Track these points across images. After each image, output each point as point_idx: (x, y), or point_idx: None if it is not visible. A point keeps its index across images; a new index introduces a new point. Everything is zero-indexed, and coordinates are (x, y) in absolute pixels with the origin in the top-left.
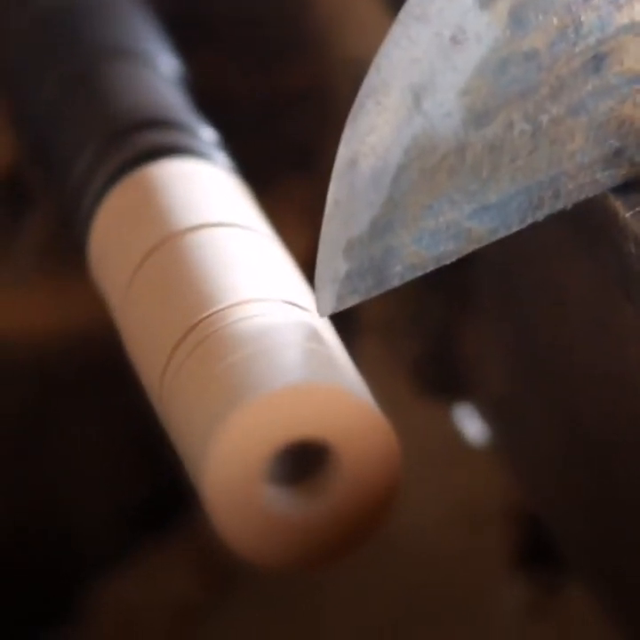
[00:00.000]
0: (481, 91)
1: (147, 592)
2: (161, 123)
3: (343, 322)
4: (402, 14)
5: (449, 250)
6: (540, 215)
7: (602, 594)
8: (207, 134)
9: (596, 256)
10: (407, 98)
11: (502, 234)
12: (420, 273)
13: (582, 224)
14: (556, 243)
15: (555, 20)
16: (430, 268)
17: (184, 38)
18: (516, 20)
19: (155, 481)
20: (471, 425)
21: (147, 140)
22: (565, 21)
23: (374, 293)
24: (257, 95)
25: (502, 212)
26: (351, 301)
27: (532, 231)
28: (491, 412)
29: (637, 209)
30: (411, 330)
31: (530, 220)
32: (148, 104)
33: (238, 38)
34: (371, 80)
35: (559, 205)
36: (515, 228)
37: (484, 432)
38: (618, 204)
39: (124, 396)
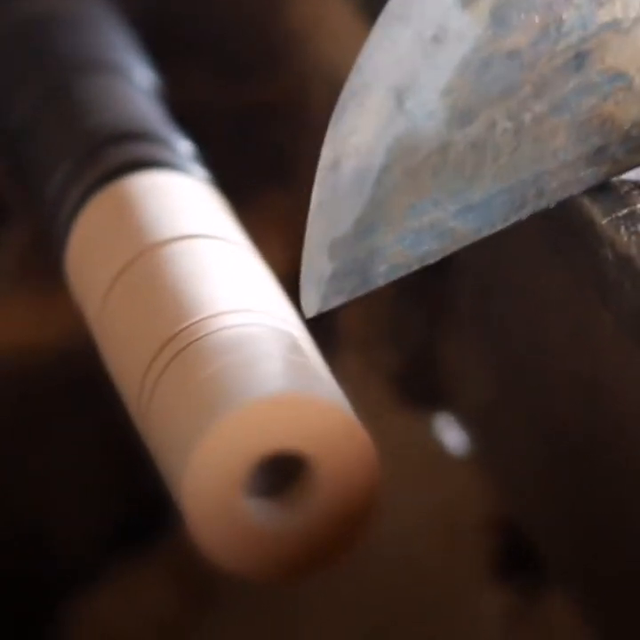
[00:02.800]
0: (463, 90)
1: (127, 607)
2: (137, 135)
3: (323, 333)
4: (383, 15)
5: (433, 249)
6: (523, 214)
7: (582, 601)
8: (183, 147)
9: (573, 263)
10: (389, 98)
11: (486, 233)
12: (404, 272)
13: (559, 231)
14: (534, 250)
15: (536, 19)
16: (414, 268)
17: (159, 50)
18: (498, 18)
19: (134, 494)
20: (451, 434)
21: (123, 153)
22: (547, 20)
23: (359, 293)
24: (232, 106)
25: (486, 211)
26: (336, 301)
27: (510, 239)
28: (470, 422)
29: (614, 215)
30: (390, 340)
31: (513, 219)
32: (125, 117)
33: (213, 50)
34: (353, 81)
35: (542, 204)
36: (499, 227)
37: (464, 441)
38: (594, 211)
39: (103, 408)
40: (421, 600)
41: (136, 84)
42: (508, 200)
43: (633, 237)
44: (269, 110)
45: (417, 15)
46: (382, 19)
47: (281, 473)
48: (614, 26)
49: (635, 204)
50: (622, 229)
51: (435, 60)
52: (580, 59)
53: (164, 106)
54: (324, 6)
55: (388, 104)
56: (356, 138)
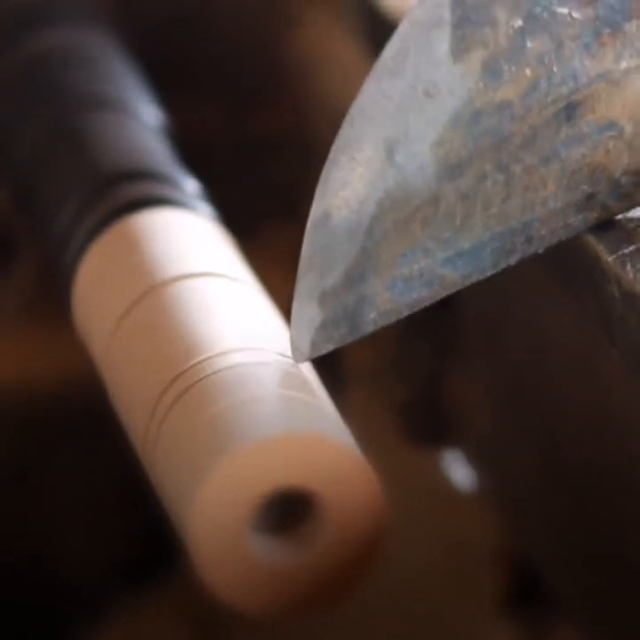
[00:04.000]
0: (454, 142)
1: None
2: (144, 174)
3: (329, 370)
4: (375, 68)
5: (423, 296)
6: (512, 260)
7: (591, 634)
8: (190, 185)
9: (579, 299)
10: (380, 152)
11: (475, 279)
12: (394, 319)
13: (565, 268)
14: (539, 286)
15: (528, 72)
16: (404, 314)
17: (165, 87)
18: (490, 71)
19: (141, 533)
20: (458, 469)
21: (130, 192)
22: (538, 72)
23: (349, 340)
24: (237, 142)
25: (475, 258)
26: (326, 348)
27: (515, 275)
28: (477, 456)
29: (619, 252)
30: (396, 376)
31: (503, 265)
32: (131, 155)
33: (218, 86)
34: (344, 134)
35: (531, 250)
36: (488, 273)
37: (471, 475)
38: (600, 248)
39: (109, 445)
40: (430, 635)
41: (142, 121)
42: (498, 247)
43: (639, 275)
44: (274, 145)
45: (409, 68)
46: (375, 72)
47: (288, 511)
48: (605, 77)
49: None
50: (628, 266)
51: (426, 113)
52: (570, 109)
53: (169, 143)
54: (330, 41)
55: (379, 157)
56: (347, 191)
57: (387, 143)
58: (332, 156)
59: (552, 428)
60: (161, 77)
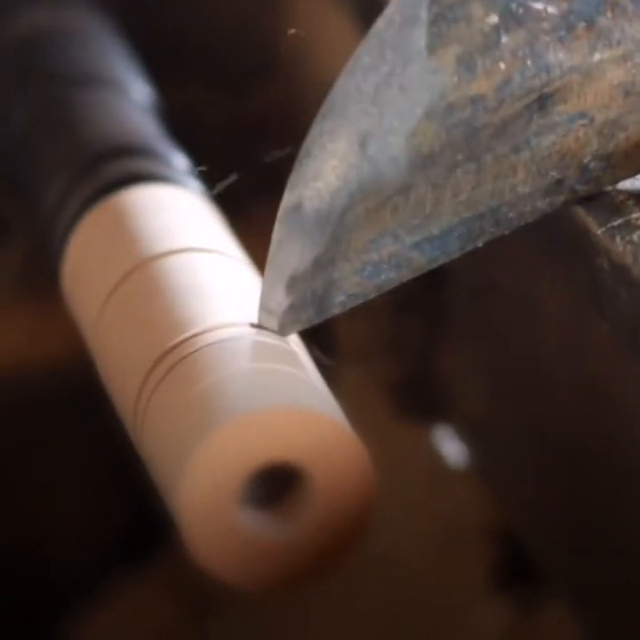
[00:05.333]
0: (427, 134)
1: (127, 622)
2: (133, 150)
3: (319, 346)
4: (350, 64)
5: (390, 278)
6: (479, 242)
7: (580, 612)
8: (179, 161)
9: (569, 273)
10: (354, 145)
11: (442, 261)
12: (361, 301)
13: (554, 242)
14: (529, 261)
15: (502, 66)
16: (371, 296)
17: (155, 65)
18: (464, 66)
19: (131, 509)
20: (449, 446)
21: (119, 168)
22: (512, 66)
23: (316, 322)
24: (228, 119)
25: (443, 243)
26: (293, 330)
27: (505, 251)
28: (468, 433)
29: (609, 225)
30: (387, 353)
31: (470, 248)
32: (121, 131)
33: (208, 64)
34: (317, 127)
35: (499, 232)
36: (455, 256)
37: (462, 453)
38: (589, 220)
39: (99, 422)
40: (420, 612)
41: (132, 98)
42: (466, 232)
43: (628, 247)
44: (265, 124)
45: (384, 65)
46: (349, 67)
47: (276, 485)
48: (578, 69)
49: (630, 214)
50: (617, 239)
51: (400, 107)
52: (542, 100)
53: (159, 120)
54: (322, 21)
55: (352, 150)
56: (319, 182)
57: (360, 136)
58: (305, 147)
59: (543, 403)
60: (151, 55)
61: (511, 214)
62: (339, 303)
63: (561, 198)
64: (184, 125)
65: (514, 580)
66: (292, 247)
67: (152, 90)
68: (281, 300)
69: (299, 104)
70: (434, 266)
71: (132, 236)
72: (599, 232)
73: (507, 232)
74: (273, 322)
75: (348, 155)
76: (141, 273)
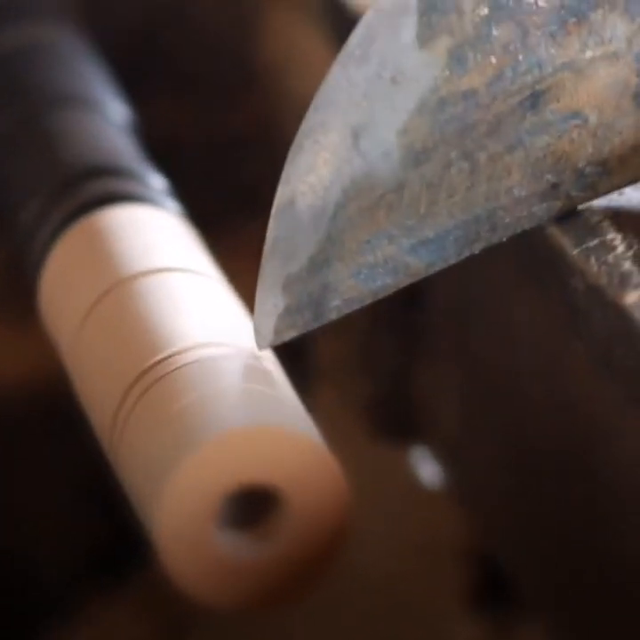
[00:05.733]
0: (419, 130)
1: None
2: (110, 170)
3: (296, 365)
4: (341, 55)
5: (387, 283)
6: (476, 248)
7: (556, 632)
8: (156, 181)
9: (545, 293)
10: (346, 138)
11: (439, 267)
12: (357, 306)
13: (530, 262)
14: (505, 280)
15: (493, 60)
16: (368, 302)
17: (132, 84)
18: (455, 59)
19: (107, 528)
20: (425, 466)
21: (96, 188)
22: (504, 61)
23: (312, 327)
24: (204, 139)
25: (439, 246)
26: (289, 335)
27: (481, 269)
28: (444, 453)
29: (584, 246)
30: (363, 372)
31: (466, 253)
32: (98, 151)
33: (185, 83)
34: (309, 120)
35: (495, 238)
36: (452, 262)
37: (438, 472)
38: (564, 241)
39: (76, 441)
40: (397, 631)
41: (109, 118)
42: (462, 235)
43: (603, 267)
44: (241, 143)
45: (375, 56)
46: (340, 58)
47: (253, 505)
48: (570, 66)
49: (605, 235)
50: (592, 259)
51: (392, 100)
52: (535, 98)
53: (136, 140)
54: (297, 40)
55: (345, 144)
56: (312, 176)
57: (352, 129)
58: (297, 140)
59: (519, 423)
60: (129, 74)
61: (507, 219)
62: (334, 308)
63: (558, 204)
64: (160, 144)
65: (489, 600)
66: (286, 246)
67: (128, 109)
68: (277, 302)
69: (275, 121)
70: (431, 272)
71: (108, 255)
72: (574, 252)
73: (504, 239)
74: (268, 326)
75: (339, 148)
76: (118, 293)
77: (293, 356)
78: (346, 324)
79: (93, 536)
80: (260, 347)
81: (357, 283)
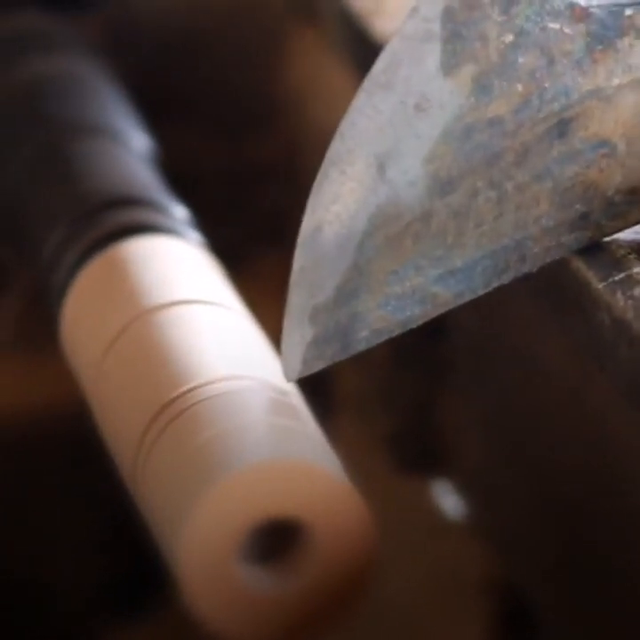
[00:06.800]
0: (445, 158)
1: None
2: (132, 201)
3: (319, 398)
4: (366, 82)
5: (415, 314)
6: (505, 278)
7: None
8: (179, 212)
9: (569, 327)
10: (371, 166)
11: (468, 297)
12: (385, 337)
13: (555, 295)
14: (530, 314)
15: (519, 87)
16: (396, 333)
17: (154, 115)
18: (481, 87)
19: (129, 563)
20: (447, 499)
21: (118, 218)
22: (530, 88)
23: (340, 358)
24: (227, 169)
25: (468, 276)
26: (317, 366)
27: (505, 303)
28: (467, 485)
29: (610, 280)
30: (386, 405)
31: (495, 284)
32: (120, 182)
33: (207, 113)
34: (335, 148)
35: (525, 268)
36: (480, 292)
37: (461, 505)
38: (590, 275)
39: (97, 474)
40: None
41: (131, 148)
42: (491, 265)
43: (629, 302)
44: (264, 173)
45: (400, 83)
46: (365, 86)
47: (276, 539)
48: (597, 93)
49: (631, 269)
50: (618, 294)
51: (417, 128)
52: (562, 126)
53: (158, 170)
54: (320, 69)
55: (370, 172)
56: (338, 206)
57: (377, 158)
58: (323, 169)
59: (543, 457)
60: (151, 105)
61: (536, 249)
62: (363, 338)
63: (587, 234)
64: (183, 174)
65: (513, 632)
66: (313, 275)
67: (150, 139)
68: (305, 333)
69: (297, 150)
70: (459, 302)
71: (130, 287)
72: (600, 286)
73: (533, 270)
74: (297, 357)
75: (365, 177)
76: (141, 325)
77: (316, 388)
78: (367, 356)
79: (113, 568)
80: (289, 378)
81: (386, 313)
